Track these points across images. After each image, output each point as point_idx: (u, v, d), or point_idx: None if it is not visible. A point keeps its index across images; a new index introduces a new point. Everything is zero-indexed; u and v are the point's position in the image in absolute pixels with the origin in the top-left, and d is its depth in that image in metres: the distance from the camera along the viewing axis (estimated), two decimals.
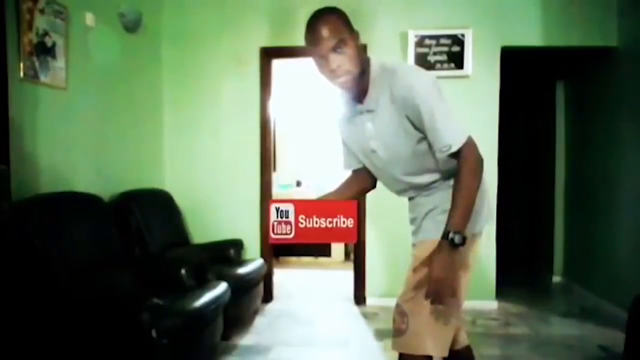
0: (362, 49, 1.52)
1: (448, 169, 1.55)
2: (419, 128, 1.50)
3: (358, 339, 3.30)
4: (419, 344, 1.52)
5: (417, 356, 1.53)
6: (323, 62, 1.47)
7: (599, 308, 3.83)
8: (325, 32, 1.44)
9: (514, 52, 3.88)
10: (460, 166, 1.47)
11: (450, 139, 1.44)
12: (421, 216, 1.64)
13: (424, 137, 1.51)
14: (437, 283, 1.39)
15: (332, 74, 1.48)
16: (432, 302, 1.43)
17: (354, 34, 1.49)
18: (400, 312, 1.57)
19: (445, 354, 1.56)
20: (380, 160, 1.63)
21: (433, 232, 1.56)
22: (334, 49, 1.44)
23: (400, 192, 1.72)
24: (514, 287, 4.42)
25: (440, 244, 1.41)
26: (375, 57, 1.57)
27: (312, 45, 1.48)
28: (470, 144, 1.47)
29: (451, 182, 1.55)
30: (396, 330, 1.58)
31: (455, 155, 1.46)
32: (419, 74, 1.50)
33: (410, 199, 1.73)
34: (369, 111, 1.56)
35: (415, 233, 1.70)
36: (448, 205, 1.54)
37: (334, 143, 5.80)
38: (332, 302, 4.12)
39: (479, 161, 1.48)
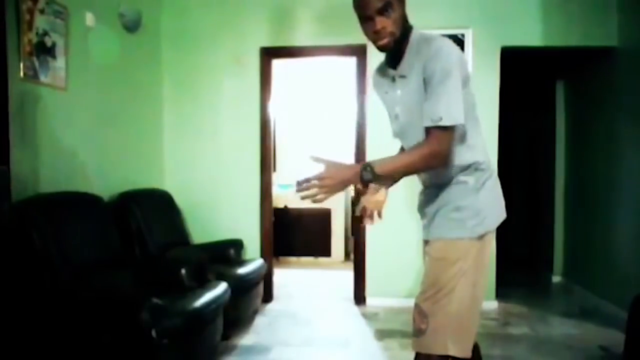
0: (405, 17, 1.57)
1: (459, 160, 1.55)
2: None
3: (358, 339, 3.29)
4: (440, 344, 1.52)
5: (433, 356, 1.53)
6: (369, 24, 1.51)
7: (599, 308, 3.83)
8: None
9: (514, 52, 3.88)
10: (427, 142, 1.45)
11: (445, 113, 1.42)
12: (433, 212, 1.63)
13: None
14: (323, 182, 1.40)
15: (376, 35, 1.51)
16: (299, 189, 1.43)
17: None
18: (419, 312, 1.56)
19: (468, 354, 1.55)
20: (399, 127, 1.65)
21: (448, 230, 1.57)
22: (380, 11, 1.48)
23: (420, 177, 1.72)
24: (514, 287, 4.43)
25: (355, 166, 1.44)
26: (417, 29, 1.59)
27: (359, 6, 1.52)
28: (451, 133, 1.45)
29: (465, 177, 1.56)
30: (416, 330, 1.56)
31: (435, 133, 1.44)
32: (453, 48, 1.50)
33: (424, 187, 1.72)
34: (402, 76, 1.58)
35: (426, 229, 1.69)
36: (461, 202, 1.55)
37: (333, 143, 5.85)
38: (332, 302, 4.12)
39: (444, 153, 1.46)
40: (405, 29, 1.55)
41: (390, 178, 1.54)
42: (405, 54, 1.56)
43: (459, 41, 3.76)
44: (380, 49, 1.56)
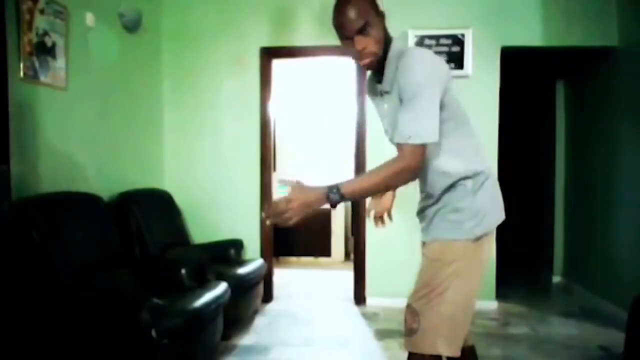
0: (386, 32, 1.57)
1: (448, 168, 1.55)
2: None
3: (358, 339, 3.30)
4: (431, 343, 1.52)
5: (427, 356, 1.53)
6: (349, 44, 1.51)
7: (599, 308, 3.83)
8: (351, 14, 1.46)
9: (514, 52, 3.88)
10: (397, 157, 1.45)
11: (414, 132, 1.41)
12: (431, 214, 1.63)
13: None
14: (290, 205, 1.40)
15: (357, 55, 1.52)
16: (267, 217, 1.44)
17: (380, 15, 1.51)
18: (411, 312, 1.57)
19: (458, 353, 1.55)
20: (389, 139, 1.65)
21: (444, 231, 1.57)
22: (360, 31, 1.47)
23: (419, 185, 1.72)
24: (514, 287, 4.43)
25: (320, 189, 1.43)
26: (398, 40, 1.57)
27: (337, 27, 1.51)
28: (421, 149, 1.44)
29: (462, 181, 1.55)
30: (408, 329, 1.57)
31: (405, 147, 1.43)
32: (424, 60, 1.47)
33: (422, 193, 1.72)
34: (386, 92, 1.59)
35: (424, 230, 1.69)
36: (459, 204, 1.55)
37: (333, 143, 5.85)
38: (332, 302, 4.12)
39: (414, 168, 1.44)
40: (386, 44, 1.54)
41: (360, 198, 1.54)
42: (385, 69, 1.55)
43: (459, 41, 3.76)
44: (364, 67, 1.57)
